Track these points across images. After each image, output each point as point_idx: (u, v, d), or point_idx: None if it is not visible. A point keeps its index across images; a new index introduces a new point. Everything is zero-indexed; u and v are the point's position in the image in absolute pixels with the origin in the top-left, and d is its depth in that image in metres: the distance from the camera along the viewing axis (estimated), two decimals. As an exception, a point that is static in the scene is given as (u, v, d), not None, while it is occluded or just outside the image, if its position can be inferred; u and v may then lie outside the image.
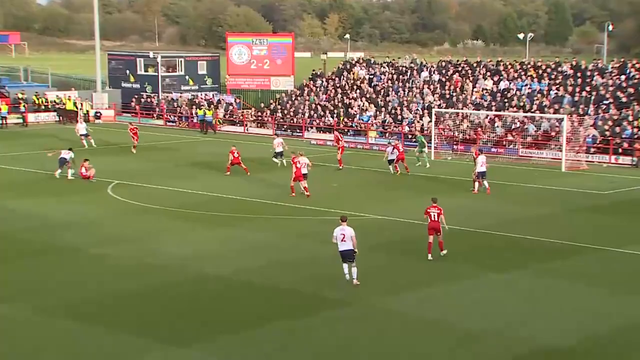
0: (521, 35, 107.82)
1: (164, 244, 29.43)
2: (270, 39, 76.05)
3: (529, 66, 60.87)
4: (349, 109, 61.59)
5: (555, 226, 32.71)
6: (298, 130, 61.65)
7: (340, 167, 46.30)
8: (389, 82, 64.39)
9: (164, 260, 27.28)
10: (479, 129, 53.95)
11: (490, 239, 30.64)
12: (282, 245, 29.40)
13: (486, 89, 58.83)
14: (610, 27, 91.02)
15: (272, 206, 36.02)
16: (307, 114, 62.86)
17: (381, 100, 61.50)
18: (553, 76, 58.03)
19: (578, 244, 29.62)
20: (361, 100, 62.10)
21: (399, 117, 58.42)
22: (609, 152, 49.01)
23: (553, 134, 51.45)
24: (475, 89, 59.35)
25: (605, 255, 28.51)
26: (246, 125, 65.06)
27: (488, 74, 60.59)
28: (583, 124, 50.02)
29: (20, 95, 68.83)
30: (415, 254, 28.16)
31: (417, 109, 58.64)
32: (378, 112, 59.96)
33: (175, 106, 69.87)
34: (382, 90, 63.22)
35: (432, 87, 61.38)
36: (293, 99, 66.68)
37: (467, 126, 54.48)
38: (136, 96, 72.63)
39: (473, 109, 55.96)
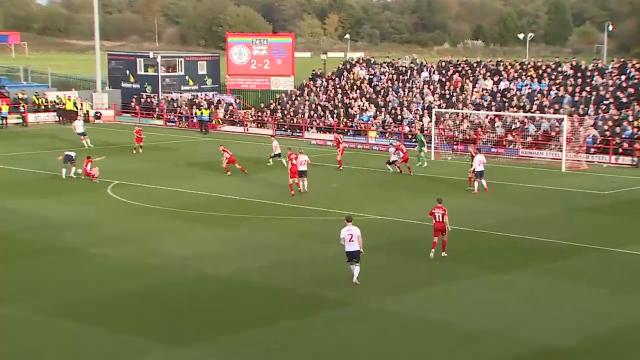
0: (521, 36, 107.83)
1: (163, 244, 29.43)
2: (270, 39, 76.04)
3: (529, 66, 60.87)
4: (349, 109, 61.58)
5: (555, 226, 32.71)
6: (298, 131, 61.65)
7: (340, 168, 46.30)
8: (389, 82, 64.39)
9: (163, 260, 27.28)
10: (479, 129, 53.95)
11: (490, 239, 30.63)
12: (282, 245, 29.40)
13: (486, 89, 58.83)
14: (610, 27, 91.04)
15: (272, 206, 36.02)
16: (307, 114, 62.86)
17: (381, 100, 61.49)
18: (553, 76, 58.03)
19: (578, 244, 29.61)
20: (361, 101, 62.10)
21: (399, 117, 58.42)
22: (609, 152, 49.01)
23: (553, 134, 51.45)
24: (475, 89, 59.35)
25: (605, 255, 28.51)
26: (246, 125, 65.05)
27: (488, 74, 60.59)
28: (583, 124, 50.01)
29: (20, 96, 68.82)
30: (415, 254, 28.17)
31: (417, 109, 58.64)
32: (378, 112, 59.96)
33: (175, 106, 69.86)
34: (382, 91, 63.22)
35: (432, 87, 61.38)
36: (293, 99, 66.67)
37: (467, 126, 54.48)
38: (136, 96, 72.61)
39: (473, 109, 55.96)
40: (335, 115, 61.34)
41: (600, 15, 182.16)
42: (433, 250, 27.17)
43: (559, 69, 59.00)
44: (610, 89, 54.21)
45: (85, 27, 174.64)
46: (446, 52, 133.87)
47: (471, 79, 60.78)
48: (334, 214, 33.97)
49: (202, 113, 64.83)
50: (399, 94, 61.97)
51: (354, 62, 70.90)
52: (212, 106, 68.24)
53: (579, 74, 57.01)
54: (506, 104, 56.06)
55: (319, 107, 63.11)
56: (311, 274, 25.81)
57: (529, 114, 52.97)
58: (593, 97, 53.63)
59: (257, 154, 49.11)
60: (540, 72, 58.94)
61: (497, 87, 58.81)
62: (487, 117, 54.78)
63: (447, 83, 60.95)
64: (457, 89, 59.88)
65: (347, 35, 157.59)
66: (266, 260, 27.43)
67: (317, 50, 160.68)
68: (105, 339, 20.38)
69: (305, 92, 66.61)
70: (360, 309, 22.59)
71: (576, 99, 54.11)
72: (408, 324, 21.42)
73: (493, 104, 56.64)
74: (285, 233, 31.24)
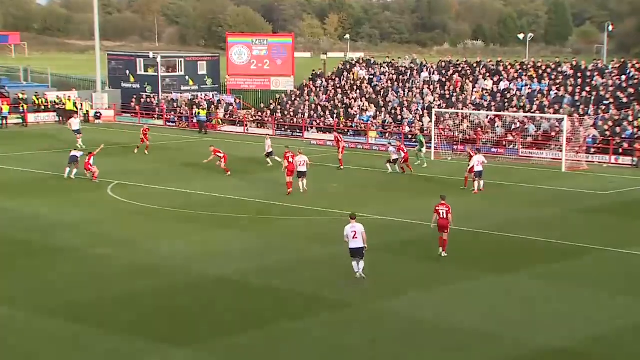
0: (521, 36, 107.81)
1: (163, 245, 29.41)
2: (270, 39, 76.01)
3: (529, 66, 60.85)
4: (349, 109, 61.57)
5: (555, 227, 32.68)
6: (298, 131, 61.65)
7: (341, 167, 46.31)
8: (389, 82, 64.37)
9: (163, 260, 27.27)
10: (479, 129, 53.93)
11: (490, 239, 30.61)
12: (281, 246, 29.38)
13: (486, 89, 58.82)
14: (610, 27, 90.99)
15: (272, 206, 36.00)
16: (307, 114, 62.85)
17: (381, 101, 61.47)
18: (553, 76, 58.01)
19: (578, 244, 29.59)
20: (361, 101, 62.09)
21: (399, 117, 58.41)
22: (609, 152, 48.99)
23: (553, 134, 51.43)
24: (475, 89, 59.34)
25: (605, 255, 28.49)
26: (246, 125, 65.03)
27: (488, 74, 60.58)
28: (583, 124, 50.01)
29: (20, 96, 68.81)
30: (415, 254, 28.18)
31: (417, 109, 58.62)
32: (378, 113, 59.95)
33: (175, 106, 69.85)
34: (382, 91, 63.20)
35: (432, 87, 61.37)
36: (293, 99, 66.66)
37: (467, 126, 54.47)
38: (136, 96, 72.59)
39: (473, 109, 55.95)
40: (335, 116, 61.33)
41: (600, 15, 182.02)
42: (440, 246, 27.51)
43: (559, 69, 58.99)
44: (610, 89, 54.20)
45: (85, 27, 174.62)
46: (446, 52, 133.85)
47: (471, 79, 60.76)
48: (334, 214, 33.97)
49: (199, 113, 64.86)
50: (399, 94, 61.95)
51: (354, 62, 70.88)
52: (213, 106, 68.26)
53: (579, 74, 57.00)
54: (506, 104, 56.05)
55: (319, 107, 63.10)
56: (311, 274, 25.80)
57: (529, 114, 52.95)
58: (593, 97, 53.62)
59: (257, 154, 49.08)
60: (540, 72, 58.92)
61: (497, 87, 58.80)
62: (487, 117, 54.77)
63: (447, 83, 60.93)
64: (457, 89, 59.86)
65: (347, 36, 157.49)
66: (266, 260, 27.42)
67: (317, 51, 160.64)
68: (105, 339, 20.36)
69: (305, 92, 66.59)
70: (360, 309, 22.58)
71: (576, 99, 54.10)
72: (407, 325, 21.40)
73: (493, 104, 56.63)
74: (285, 233, 31.22)
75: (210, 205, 36.20)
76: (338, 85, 66.14)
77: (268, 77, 71.97)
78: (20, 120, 66.81)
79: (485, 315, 22.15)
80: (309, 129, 61.39)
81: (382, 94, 62.71)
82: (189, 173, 44.61)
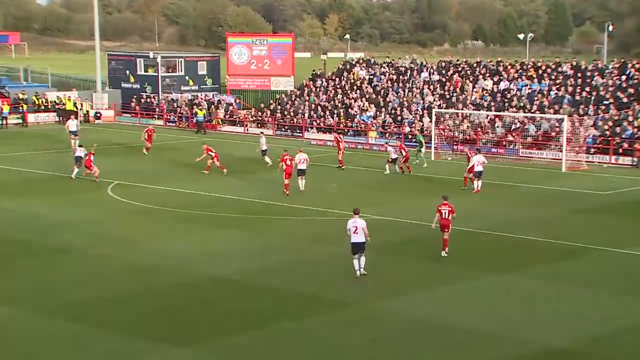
0: (521, 36, 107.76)
1: (163, 245, 29.41)
2: (270, 39, 76.00)
3: (529, 66, 60.85)
4: (349, 110, 61.57)
5: (555, 227, 32.68)
6: (298, 131, 61.65)
7: (342, 167, 46.33)
8: (389, 82, 64.37)
9: (163, 260, 27.26)
10: (479, 129, 53.94)
11: (490, 239, 30.60)
12: (281, 246, 29.38)
13: (486, 89, 58.82)
14: (611, 27, 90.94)
15: (271, 206, 36.01)
16: (307, 115, 62.85)
17: (381, 100, 61.46)
18: (553, 76, 58.01)
19: (578, 244, 29.58)
20: (361, 101, 62.09)
21: (399, 117, 58.41)
22: (609, 152, 49.00)
23: (553, 134, 51.43)
24: (475, 90, 59.34)
25: (605, 256, 28.49)
26: (246, 125, 65.02)
27: (488, 74, 60.58)
28: (583, 124, 50.01)
29: (20, 96, 68.80)
30: (415, 254, 28.18)
31: (417, 110, 58.62)
32: (378, 113, 59.95)
33: (175, 106, 69.84)
34: (382, 91, 63.21)
35: (432, 87, 61.37)
36: (293, 99, 66.66)
37: (467, 126, 54.47)
38: (136, 96, 72.58)
39: (473, 109, 55.95)
40: (335, 116, 61.34)
41: (600, 15, 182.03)
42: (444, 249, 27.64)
43: (559, 69, 58.99)
44: (610, 89, 54.21)
45: (85, 27, 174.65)
46: (446, 52, 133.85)
47: (471, 79, 60.77)
48: (334, 214, 33.98)
49: (196, 113, 64.89)
50: (399, 94, 61.95)
51: (354, 63, 70.89)
52: (213, 106, 68.26)
53: (579, 74, 57.00)
54: (506, 104, 56.05)
55: (319, 108, 63.10)
56: (311, 274, 25.80)
57: (529, 114, 52.95)
58: (593, 97, 53.63)
59: (257, 154, 49.04)
60: (540, 72, 58.92)
61: (497, 87, 58.80)
62: (487, 118, 54.77)
63: (447, 83, 60.94)
64: (457, 89, 59.86)
65: (347, 36, 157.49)
66: (265, 260, 27.41)
67: (317, 51, 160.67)
68: (105, 339, 20.36)
69: (305, 92, 66.59)
70: (359, 310, 22.57)
71: (576, 99, 54.10)
72: (407, 325, 21.40)
73: (493, 104, 56.62)
74: (284, 233, 31.23)
75: (210, 205, 36.20)
76: (338, 86, 66.15)
77: (268, 77, 71.97)
78: (20, 121, 66.81)
79: (485, 315, 22.15)
80: (309, 129, 61.39)
81: (382, 94, 62.72)
82: (189, 173, 44.59)
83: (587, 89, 54.83)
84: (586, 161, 48.16)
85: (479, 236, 30.85)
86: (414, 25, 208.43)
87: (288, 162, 38.39)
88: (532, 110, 54.05)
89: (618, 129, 49.99)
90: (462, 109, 56.14)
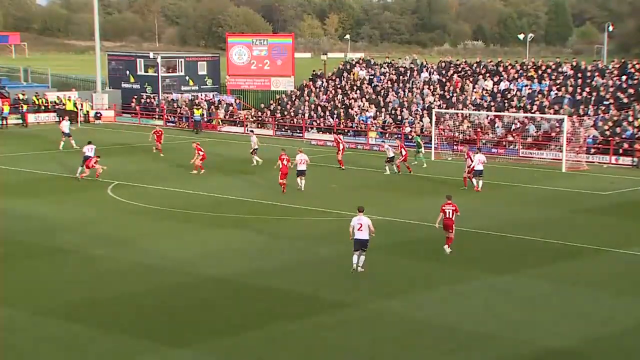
0: (521, 36, 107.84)
1: (163, 245, 29.40)
2: (271, 40, 75.94)
3: (529, 67, 60.84)
4: (349, 110, 61.56)
5: (556, 227, 32.66)
6: (298, 131, 61.64)
7: (342, 168, 46.33)
8: (389, 82, 64.36)
9: (163, 261, 27.25)
10: (479, 129, 53.93)
11: (490, 239, 30.60)
12: (280, 246, 29.37)
13: (486, 90, 58.81)
14: (611, 28, 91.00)
15: (271, 207, 36.00)
16: (307, 115, 62.85)
17: (381, 101, 61.44)
18: (553, 77, 58.00)
19: (578, 244, 29.58)
20: (361, 101, 62.08)
21: (399, 117, 58.40)
22: (610, 152, 48.99)
23: (553, 134, 51.42)
24: (475, 90, 59.32)
25: (605, 256, 28.47)
26: (246, 125, 65.00)
27: (488, 74, 60.57)
28: (583, 124, 50.01)
29: (20, 96, 68.80)
30: (415, 254, 28.17)
31: (417, 110, 58.62)
32: (378, 113, 59.95)
33: (176, 107, 69.83)
34: (382, 91, 63.19)
35: (432, 87, 61.36)
36: (293, 99, 66.65)
37: (467, 127, 54.46)
38: (136, 97, 72.56)
39: (473, 110, 55.94)
40: (335, 116, 61.33)
41: (601, 16, 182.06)
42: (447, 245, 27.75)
43: (559, 69, 58.98)
44: (611, 89, 54.20)
45: (85, 27, 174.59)
46: (446, 52, 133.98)
47: (471, 79, 60.76)
48: (333, 215, 33.97)
49: (193, 113, 64.89)
50: (399, 95, 61.94)
51: (354, 63, 70.87)
52: (213, 106, 68.24)
53: (579, 75, 56.99)
54: (506, 105, 56.04)
55: (319, 108, 63.09)
56: (310, 275, 25.79)
57: (529, 115, 52.94)
58: (593, 98, 53.62)
59: (257, 154, 49.02)
60: (541, 72, 58.91)
61: (497, 87, 58.79)
62: (487, 118, 54.77)
63: (447, 83, 60.93)
64: (457, 90, 59.85)
65: (347, 36, 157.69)
66: (265, 260, 27.41)
67: (317, 51, 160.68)
68: (104, 339, 20.35)
69: (306, 92, 66.57)
70: (359, 310, 22.55)
71: (577, 99, 54.09)
72: (407, 326, 21.39)
73: (493, 104, 56.61)
74: (284, 234, 31.22)
75: (210, 205, 36.19)
76: (338, 86, 66.13)
77: (268, 78, 71.94)
78: (21, 121, 66.79)
79: (485, 316, 22.14)
80: (309, 129, 61.38)
81: (382, 94, 62.70)
82: (189, 173, 44.54)
83: (587, 89, 54.82)
84: (586, 161, 48.16)
85: (479, 236, 30.84)
86: (414, 26, 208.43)
87: (285, 162, 38.45)
88: (532, 111, 54.03)
89: (618, 129, 49.98)
90: (462, 109, 56.13)
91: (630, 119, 50.57)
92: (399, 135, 54.83)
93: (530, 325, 21.43)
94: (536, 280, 25.37)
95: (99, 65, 73.38)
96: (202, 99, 69.65)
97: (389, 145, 46.14)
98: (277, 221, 33.49)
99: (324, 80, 68.17)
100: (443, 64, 65.46)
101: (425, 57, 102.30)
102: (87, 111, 69.89)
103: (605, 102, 52.94)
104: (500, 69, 61.31)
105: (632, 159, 48.12)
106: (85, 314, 22.07)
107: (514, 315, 22.29)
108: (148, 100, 71.92)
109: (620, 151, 48.87)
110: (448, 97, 59.28)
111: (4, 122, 65.51)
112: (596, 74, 56.63)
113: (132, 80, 74.30)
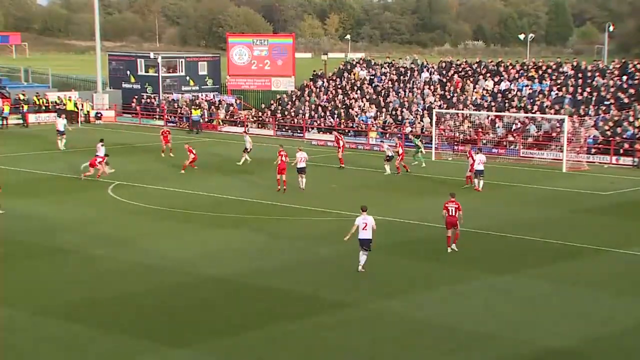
0: (522, 36, 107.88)
1: (163, 245, 29.40)
2: (271, 40, 75.96)
3: (529, 67, 60.84)
4: (350, 110, 61.55)
5: (556, 227, 32.65)
6: (299, 131, 61.64)
7: (342, 166, 46.33)
8: (390, 82, 64.35)
9: (163, 261, 27.25)
10: (480, 129, 53.92)
11: (490, 239, 30.59)
12: (280, 246, 29.37)
13: (487, 90, 58.80)
14: (611, 28, 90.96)
15: (271, 207, 35.99)
16: (307, 115, 62.85)
17: (382, 101, 61.43)
18: (554, 77, 57.99)
19: (578, 244, 29.57)
20: (362, 101, 62.08)
21: (400, 117, 58.39)
22: (610, 152, 48.98)
23: (554, 134, 51.41)
24: (475, 90, 59.31)
25: (606, 256, 28.46)
26: (247, 125, 64.98)
27: (488, 74, 60.56)
28: (584, 124, 50.00)
29: (21, 96, 68.80)
30: (415, 254, 28.17)
31: (418, 110, 58.61)
32: (379, 113, 59.94)
33: (176, 107, 69.83)
34: (383, 91, 63.19)
35: (432, 87, 61.35)
36: (294, 99, 66.66)
37: (468, 127, 54.45)
38: (137, 97, 72.57)
39: (474, 110, 55.93)
40: (335, 116, 61.33)
41: (601, 16, 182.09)
42: (448, 246, 27.87)
43: (560, 69, 58.96)
44: (611, 89, 54.19)
45: (86, 27, 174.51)
46: (447, 52, 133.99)
47: (472, 79, 60.75)
48: (333, 215, 33.97)
49: (191, 113, 64.92)
50: (399, 95, 61.93)
51: (354, 63, 70.87)
52: (213, 107, 68.23)
53: (579, 75, 56.99)
54: (507, 105, 56.03)
55: (320, 108, 63.09)
56: (310, 275, 25.79)
57: (529, 115, 52.94)
58: (594, 98, 53.61)
59: (257, 155, 49.03)
60: (541, 72, 58.90)
61: (498, 87, 58.79)
62: (487, 118, 54.76)
63: (448, 83, 60.93)
64: (458, 90, 59.84)
65: (348, 36, 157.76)
66: (265, 260, 27.41)
67: (318, 51, 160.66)
68: (104, 339, 20.35)
69: (306, 92, 66.57)
70: (359, 310, 22.55)
71: (577, 99, 54.08)
72: (407, 326, 21.38)
73: (493, 104, 56.60)
74: (284, 234, 31.21)
75: (210, 205, 36.19)
76: (339, 86, 66.13)
77: (269, 78, 71.95)
78: (21, 121, 66.81)
79: (485, 316, 22.14)
80: (310, 129, 61.39)
81: (382, 94, 62.70)
82: (189, 173, 44.55)
83: (588, 89, 54.81)
84: (587, 161, 48.14)
85: (479, 236, 30.83)
86: (415, 26, 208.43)
87: (283, 158, 38.58)
88: (533, 111, 54.02)
89: (619, 130, 49.97)
90: (462, 110, 56.12)
91: (631, 119, 50.55)
92: (399, 135, 54.80)
93: (530, 325, 21.43)
94: (536, 280, 25.36)
95: (99, 65, 73.37)
96: (202, 99, 69.65)
97: (388, 145, 46.21)
98: (277, 221, 33.49)
99: (325, 80, 68.16)
100: (443, 64, 65.45)
101: (426, 57, 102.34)
102: (88, 111, 69.88)
103: (605, 102, 52.93)
104: (501, 69, 61.30)
105: (632, 159, 48.11)
106: (85, 314, 22.08)
107: (514, 315, 22.29)
108: (148, 101, 71.92)
109: (621, 151, 48.86)
110: (448, 97, 59.28)
111: (5, 122, 65.53)
112: (597, 74, 56.62)
113: (132, 80, 74.32)
